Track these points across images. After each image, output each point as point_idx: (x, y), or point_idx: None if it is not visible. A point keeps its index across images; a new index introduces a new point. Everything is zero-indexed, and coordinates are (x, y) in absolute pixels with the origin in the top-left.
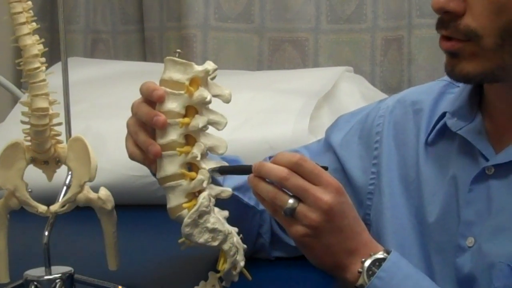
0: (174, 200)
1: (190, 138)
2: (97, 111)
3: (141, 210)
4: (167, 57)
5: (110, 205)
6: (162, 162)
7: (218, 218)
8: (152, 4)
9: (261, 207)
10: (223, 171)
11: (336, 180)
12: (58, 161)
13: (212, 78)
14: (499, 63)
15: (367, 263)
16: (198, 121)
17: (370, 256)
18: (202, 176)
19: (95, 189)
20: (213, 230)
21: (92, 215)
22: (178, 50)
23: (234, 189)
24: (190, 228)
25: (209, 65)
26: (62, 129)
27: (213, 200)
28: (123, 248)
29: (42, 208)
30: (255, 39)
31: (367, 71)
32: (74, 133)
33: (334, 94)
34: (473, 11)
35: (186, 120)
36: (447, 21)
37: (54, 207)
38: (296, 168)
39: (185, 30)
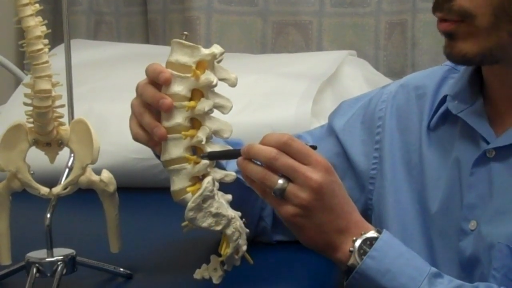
0: (178, 183)
1: (195, 122)
2: (100, 93)
3: (144, 192)
4: (174, 40)
5: (112, 187)
6: (167, 145)
7: (221, 202)
8: None
9: None
10: (212, 156)
11: (325, 159)
12: (60, 143)
13: (219, 61)
14: (496, 42)
15: (358, 242)
16: (204, 104)
17: (361, 235)
18: (207, 160)
19: (98, 172)
20: (217, 215)
21: (94, 198)
22: (185, 33)
23: (237, 172)
24: (194, 212)
25: (216, 48)
26: (64, 111)
27: (217, 184)
28: (125, 231)
29: (44, 190)
30: (258, 22)
31: (370, 55)
32: (76, 115)
33: (337, 77)
34: None
35: (192, 103)
36: (441, 3)
37: (56, 189)
38: (284, 148)
39: (188, 13)
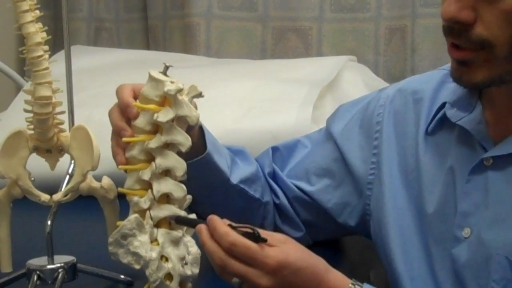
0: (130, 212)
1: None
2: (100, 99)
3: None
4: (149, 71)
5: (112, 194)
6: (128, 173)
7: (144, 242)
8: None
9: (265, 199)
10: (178, 220)
11: (274, 252)
12: (61, 150)
13: (196, 97)
14: (508, 69)
15: None
16: (153, 141)
17: None
18: (145, 197)
19: (98, 178)
20: (135, 254)
21: (95, 204)
22: (168, 65)
23: (240, 181)
24: (114, 247)
25: (175, 85)
26: (65, 117)
27: (150, 222)
28: None
29: (44, 197)
30: (258, 28)
31: (370, 60)
32: (77, 122)
33: (337, 83)
34: (484, 21)
35: (143, 137)
36: (457, 30)
37: (57, 196)
38: (230, 251)
39: (188, 19)
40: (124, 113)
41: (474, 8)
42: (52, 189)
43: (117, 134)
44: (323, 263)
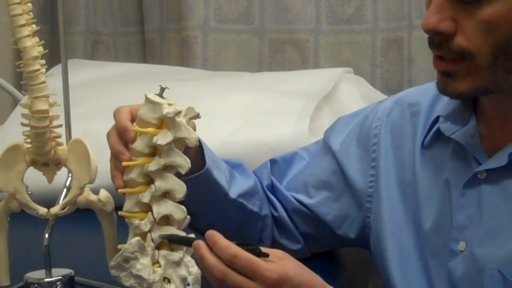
0: (129, 235)
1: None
2: (97, 113)
3: None
4: (146, 93)
5: (110, 207)
6: (126, 196)
7: (146, 265)
8: (152, 5)
9: (263, 212)
10: (171, 239)
11: (275, 267)
12: (58, 163)
13: (193, 118)
14: (492, 79)
15: None
16: (152, 164)
17: None
18: (145, 219)
19: (95, 191)
20: (138, 277)
21: (93, 217)
22: (164, 87)
23: (239, 196)
24: (116, 271)
25: (173, 108)
26: (62, 131)
27: (152, 244)
28: None
29: (42, 210)
30: (255, 41)
31: (367, 72)
32: (74, 135)
33: (334, 95)
34: (464, 31)
35: (141, 161)
36: (438, 41)
37: (55, 210)
38: (231, 264)
39: (185, 32)
40: (122, 136)
41: (454, 19)
42: (49, 202)
43: (115, 158)
44: (320, 280)
